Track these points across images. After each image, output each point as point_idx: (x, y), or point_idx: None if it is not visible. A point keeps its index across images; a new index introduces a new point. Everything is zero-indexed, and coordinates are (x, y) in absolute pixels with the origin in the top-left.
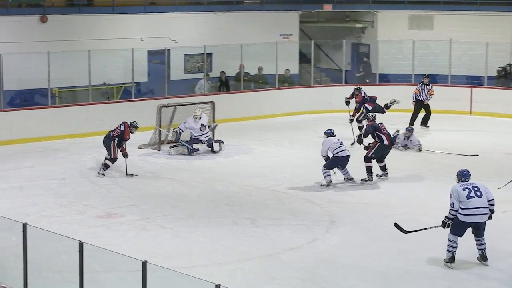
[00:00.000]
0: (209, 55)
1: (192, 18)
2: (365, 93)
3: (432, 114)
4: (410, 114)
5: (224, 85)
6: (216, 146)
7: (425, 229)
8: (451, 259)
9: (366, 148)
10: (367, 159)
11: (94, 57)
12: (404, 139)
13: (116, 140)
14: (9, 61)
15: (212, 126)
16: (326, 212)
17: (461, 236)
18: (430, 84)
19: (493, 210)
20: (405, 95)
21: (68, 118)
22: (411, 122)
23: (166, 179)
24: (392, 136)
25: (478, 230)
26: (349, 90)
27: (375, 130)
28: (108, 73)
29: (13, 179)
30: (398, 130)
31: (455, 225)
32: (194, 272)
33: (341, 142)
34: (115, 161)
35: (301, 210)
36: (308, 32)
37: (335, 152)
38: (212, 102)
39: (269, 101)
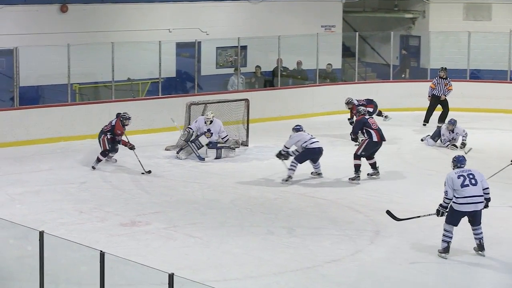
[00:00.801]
0: (244, 48)
1: (225, 7)
2: (357, 100)
3: (490, 114)
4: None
5: (260, 81)
6: (224, 153)
7: (418, 217)
8: (446, 250)
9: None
10: (356, 156)
11: (118, 50)
12: (450, 133)
13: (108, 134)
14: (26, 55)
15: (234, 143)
16: (370, 221)
17: (456, 225)
18: (448, 78)
19: (489, 198)
20: (458, 93)
21: (89, 116)
22: (426, 120)
23: (195, 183)
24: (425, 139)
25: (474, 219)
26: (396, 86)
27: (364, 125)
28: (133, 67)
29: (29, 183)
30: (439, 126)
31: (449, 214)
32: (225, 286)
33: (313, 136)
34: (106, 153)
35: (343, 219)
36: (352, 23)
37: (305, 144)
38: (246, 100)
39: (309, 99)
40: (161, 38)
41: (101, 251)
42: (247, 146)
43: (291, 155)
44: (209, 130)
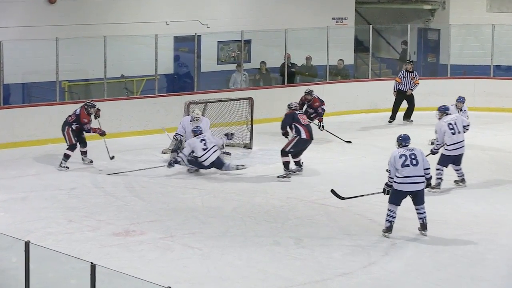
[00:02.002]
0: (247, 42)
1: None
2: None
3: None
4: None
5: (265, 78)
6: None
7: (363, 195)
8: (389, 229)
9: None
10: (284, 153)
11: (111, 45)
12: (458, 112)
13: (73, 125)
14: (11, 49)
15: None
16: None
17: (398, 205)
18: (415, 72)
19: (430, 178)
20: (481, 91)
21: None
22: (392, 116)
23: (194, 189)
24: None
25: (416, 198)
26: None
27: (293, 120)
28: (127, 63)
29: (14, 189)
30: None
31: (391, 194)
32: None
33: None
34: (74, 147)
35: (355, 228)
36: (366, 15)
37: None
38: (251, 99)
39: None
40: (158, 32)
41: (92, 263)
42: (251, 148)
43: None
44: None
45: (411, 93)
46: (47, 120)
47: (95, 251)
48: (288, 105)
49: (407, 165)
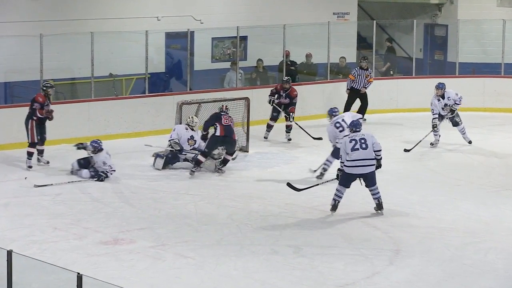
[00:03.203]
0: (243, 38)
1: None
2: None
3: None
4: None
5: (262, 77)
6: (209, 168)
7: (317, 185)
8: (333, 207)
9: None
10: (202, 153)
11: (98, 42)
12: (439, 100)
13: (34, 117)
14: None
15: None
16: (389, 238)
17: (347, 187)
18: (369, 69)
19: (380, 159)
20: (491, 90)
21: (65, 118)
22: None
23: (187, 195)
24: (434, 142)
25: (367, 180)
26: (419, 83)
27: (216, 120)
28: (115, 61)
29: None
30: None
31: (342, 176)
32: None
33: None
34: (35, 145)
35: (357, 236)
36: (369, 10)
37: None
38: (247, 99)
39: (319, 97)
40: (148, 28)
41: (78, 273)
42: (247, 152)
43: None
44: (192, 137)
45: (365, 92)
46: None
47: (81, 260)
48: (219, 107)
49: (357, 149)
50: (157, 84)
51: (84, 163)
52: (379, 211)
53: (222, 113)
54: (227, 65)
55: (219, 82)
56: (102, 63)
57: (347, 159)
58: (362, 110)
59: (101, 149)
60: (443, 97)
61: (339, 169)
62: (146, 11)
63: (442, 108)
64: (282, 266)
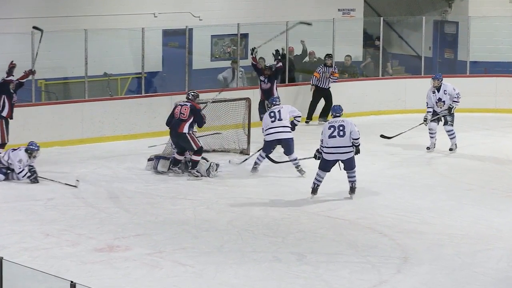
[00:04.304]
0: (244, 36)
1: None
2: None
3: None
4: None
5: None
6: (200, 166)
7: (296, 159)
8: (313, 191)
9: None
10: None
11: (93, 39)
12: (434, 94)
13: (3, 112)
14: None
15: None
16: (397, 245)
17: (327, 171)
18: (334, 66)
19: (358, 145)
20: (504, 90)
21: (57, 119)
22: (309, 116)
23: (186, 200)
24: (431, 146)
25: (345, 164)
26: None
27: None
28: (110, 60)
29: None
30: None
31: (322, 161)
32: None
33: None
34: (4, 146)
35: (364, 243)
36: (376, 6)
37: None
38: (248, 99)
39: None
40: (145, 25)
41: (71, 281)
42: (248, 155)
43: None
44: None
45: (329, 91)
46: (21, 124)
47: (75, 268)
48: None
49: (334, 136)
50: (154, 84)
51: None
52: (350, 195)
53: (179, 104)
54: (227, 63)
55: (219, 81)
56: (96, 61)
57: (324, 145)
58: (326, 110)
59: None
60: (439, 90)
61: (317, 150)
62: (142, 7)
63: (436, 102)
64: (285, 274)
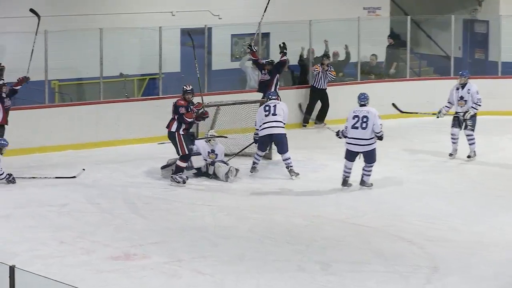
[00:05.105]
0: (266, 35)
1: None
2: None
3: None
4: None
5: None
6: (218, 171)
7: (328, 127)
8: (343, 183)
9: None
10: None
11: (108, 39)
12: (457, 90)
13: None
14: None
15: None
16: (426, 254)
17: (351, 161)
18: (330, 66)
19: (380, 137)
20: None
21: (71, 121)
22: (306, 120)
23: (205, 206)
24: (453, 153)
25: (365, 157)
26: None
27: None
28: (126, 60)
29: None
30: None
31: (346, 151)
32: None
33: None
34: None
35: (391, 252)
36: (403, 4)
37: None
38: None
39: (348, 99)
40: (162, 24)
41: None
42: (270, 159)
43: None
44: (213, 151)
45: (326, 92)
46: (34, 126)
47: (90, 277)
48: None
49: (356, 127)
50: (171, 85)
51: None
52: (362, 186)
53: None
54: (247, 64)
55: (239, 82)
56: (111, 62)
57: (348, 135)
58: (323, 113)
59: None
60: (463, 88)
61: (341, 131)
62: (159, 5)
63: (458, 100)
64: (309, 284)
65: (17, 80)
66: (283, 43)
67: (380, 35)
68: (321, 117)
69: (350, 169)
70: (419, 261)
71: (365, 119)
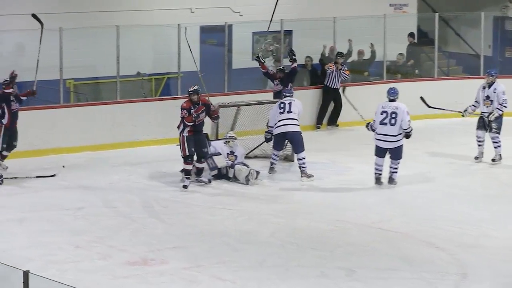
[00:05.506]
0: (288, 33)
1: None
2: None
3: None
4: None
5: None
6: (239, 173)
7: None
8: (376, 181)
9: None
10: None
11: (125, 36)
12: (484, 89)
13: (3, 120)
14: (6, 42)
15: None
16: (455, 260)
17: (381, 157)
18: (344, 66)
19: (408, 133)
20: None
21: (87, 122)
22: (319, 121)
23: (225, 210)
24: (479, 156)
25: (392, 154)
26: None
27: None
28: (144, 58)
29: (10, 208)
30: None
31: (375, 147)
32: None
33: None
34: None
35: (419, 257)
36: (430, 1)
37: None
38: None
39: (373, 100)
40: (181, 21)
41: None
42: (293, 161)
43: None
44: (232, 152)
45: (339, 92)
46: (49, 127)
47: (106, 283)
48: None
49: (385, 123)
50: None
51: None
52: (390, 183)
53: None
54: (269, 62)
55: (260, 82)
56: (129, 60)
57: (377, 130)
58: (336, 114)
59: None
60: (490, 87)
61: (370, 124)
62: (178, 2)
63: (484, 100)
64: None
65: (26, 91)
66: (291, 50)
67: (407, 33)
68: (334, 119)
69: (381, 166)
70: (448, 267)
71: (393, 115)
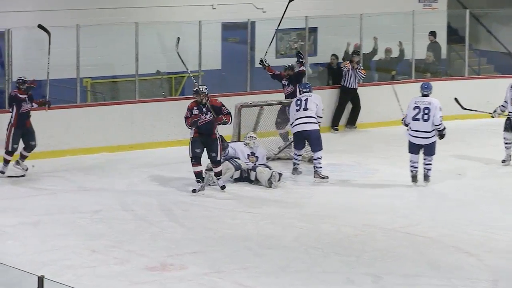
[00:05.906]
0: (313, 30)
1: None
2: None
3: None
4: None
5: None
6: (260, 176)
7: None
8: (412, 179)
9: None
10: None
11: (144, 34)
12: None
13: (15, 121)
14: (21, 39)
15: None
16: (486, 266)
17: (415, 154)
18: (360, 65)
19: (441, 131)
20: None
21: (104, 122)
22: (336, 123)
23: (247, 213)
24: (507, 159)
25: (425, 150)
26: None
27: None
28: (163, 56)
29: (25, 211)
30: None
31: (409, 143)
32: None
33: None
34: (10, 153)
35: (448, 263)
36: None
37: None
38: None
39: (402, 100)
40: (202, 18)
41: None
42: None
43: None
44: (253, 153)
45: (357, 92)
46: (65, 127)
47: None
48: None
49: (418, 119)
50: (212, 83)
51: None
52: (425, 181)
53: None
54: (293, 61)
55: None
56: (148, 58)
57: (410, 126)
58: (354, 115)
59: None
60: None
61: (403, 119)
62: None
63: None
64: None
65: (39, 101)
66: (299, 51)
67: (437, 30)
68: (352, 120)
69: (416, 163)
70: (478, 274)
71: (426, 111)
